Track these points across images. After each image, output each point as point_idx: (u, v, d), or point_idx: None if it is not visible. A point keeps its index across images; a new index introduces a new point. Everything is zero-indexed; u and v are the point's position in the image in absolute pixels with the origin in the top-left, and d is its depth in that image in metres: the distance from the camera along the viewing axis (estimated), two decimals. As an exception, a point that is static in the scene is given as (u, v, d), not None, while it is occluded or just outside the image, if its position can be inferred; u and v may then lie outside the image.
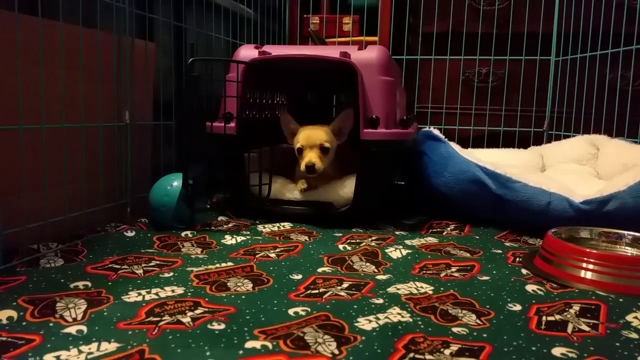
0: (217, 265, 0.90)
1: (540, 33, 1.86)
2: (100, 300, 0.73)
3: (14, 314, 0.67)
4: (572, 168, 1.57)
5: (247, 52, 1.28)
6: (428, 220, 1.30)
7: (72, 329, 0.64)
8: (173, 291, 0.77)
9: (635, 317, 0.72)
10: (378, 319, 0.69)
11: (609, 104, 1.63)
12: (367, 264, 0.94)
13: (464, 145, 1.47)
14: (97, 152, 1.06)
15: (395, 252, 1.00)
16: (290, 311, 0.71)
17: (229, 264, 0.91)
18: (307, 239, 1.10)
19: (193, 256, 0.95)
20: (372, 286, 0.82)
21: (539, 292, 0.81)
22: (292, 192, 1.31)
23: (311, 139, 1.25)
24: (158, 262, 0.91)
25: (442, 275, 0.89)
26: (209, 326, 0.65)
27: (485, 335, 0.66)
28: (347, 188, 1.26)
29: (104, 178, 1.07)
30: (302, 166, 1.23)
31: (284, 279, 0.84)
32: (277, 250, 1.01)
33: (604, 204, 1.10)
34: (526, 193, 1.17)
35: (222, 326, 0.66)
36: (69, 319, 0.67)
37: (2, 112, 0.86)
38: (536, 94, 1.90)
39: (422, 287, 0.82)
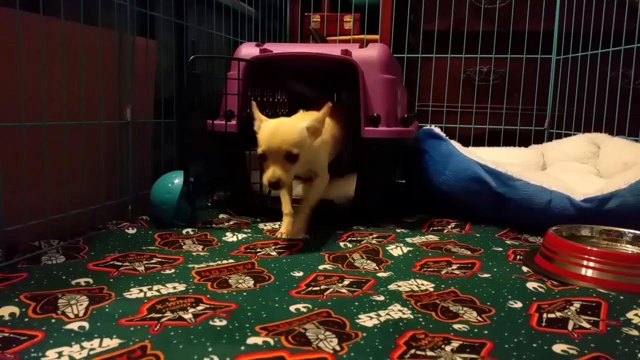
0: (219, 262, 0.90)
1: (541, 31, 1.87)
2: (102, 297, 0.73)
3: (16, 310, 0.68)
4: (573, 166, 1.57)
5: (248, 50, 1.28)
6: (429, 218, 1.31)
7: (74, 325, 0.64)
8: (174, 288, 0.77)
9: (636, 315, 0.72)
10: (379, 315, 0.69)
11: (609, 103, 1.63)
12: (368, 261, 0.94)
13: (465, 143, 1.47)
14: (98, 150, 1.06)
15: (396, 250, 1.01)
16: (292, 308, 0.71)
17: (230, 261, 0.91)
18: (308, 237, 1.10)
19: (194, 253, 0.96)
20: (373, 283, 0.82)
21: (540, 289, 0.81)
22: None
23: (274, 144, 0.98)
24: (159, 259, 0.91)
25: (443, 272, 0.89)
26: (210, 322, 0.65)
27: (486, 332, 0.66)
28: (348, 186, 1.26)
29: (105, 175, 1.07)
30: (265, 180, 0.98)
31: (285, 276, 0.85)
32: (278, 247, 1.01)
33: (604, 202, 1.10)
34: (527, 191, 1.17)
35: (224, 322, 0.66)
36: (71, 316, 0.67)
37: (3, 110, 0.86)
38: (537, 92, 1.90)
39: (423, 284, 0.82)
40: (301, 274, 0.86)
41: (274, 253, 0.97)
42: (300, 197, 1.29)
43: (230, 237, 1.07)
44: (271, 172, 0.97)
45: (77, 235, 1.00)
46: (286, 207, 1.14)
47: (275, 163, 0.98)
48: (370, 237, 1.11)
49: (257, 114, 1.07)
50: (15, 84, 0.85)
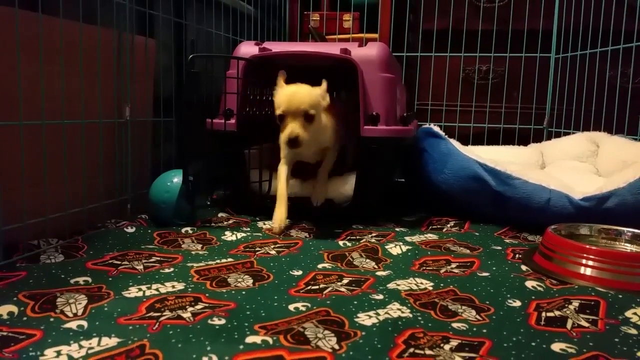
0: (218, 261, 0.90)
1: (540, 30, 1.86)
2: (100, 296, 0.73)
3: (14, 309, 0.68)
4: (572, 165, 1.57)
5: (248, 49, 1.28)
6: (428, 217, 1.31)
7: (73, 324, 0.64)
8: (173, 287, 0.77)
9: (635, 313, 0.72)
10: (378, 314, 0.69)
11: (608, 101, 1.63)
12: (367, 260, 0.94)
13: (464, 142, 1.48)
14: (98, 149, 1.06)
15: (395, 249, 1.01)
16: (291, 307, 0.71)
17: (229, 260, 0.91)
18: (307, 236, 1.10)
19: (193, 252, 0.96)
20: (372, 282, 0.82)
21: (539, 288, 0.81)
22: (293, 188, 1.31)
23: (293, 104, 1.07)
24: (158, 258, 0.91)
25: (442, 271, 0.89)
26: (209, 321, 0.65)
27: (485, 330, 0.66)
28: (347, 185, 1.26)
29: (104, 174, 1.07)
30: (284, 138, 1.06)
31: (284, 274, 0.85)
32: (277, 246, 1.01)
33: (603, 200, 1.10)
34: (526, 190, 1.17)
35: (223, 321, 0.66)
36: (70, 314, 0.67)
37: (2, 109, 0.86)
38: (536, 91, 1.90)
39: (422, 283, 0.82)
40: (300, 272, 0.86)
41: (273, 252, 0.97)
42: (300, 195, 1.29)
43: (229, 236, 1.07)
44: (290, 129, 1.05)
45: (76, 234, 1.00)
46: (282, 192, 1.15)
47: (294, 120, 1.06)
48: (370, 235, 1.11)
49: (281, 82, 1.15)
50: (14, 83, 0.85)
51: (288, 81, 1.25)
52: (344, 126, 1.30)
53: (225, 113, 1.25)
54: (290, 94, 1.08)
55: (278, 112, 1.08)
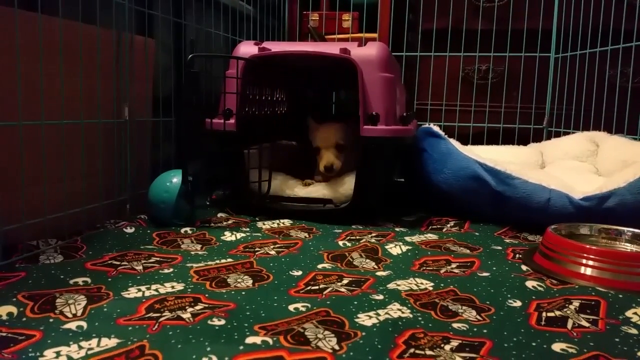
0: (217, 261, 0.90)
1: (539, 29, 1.86)
2: (100, 296, 0.73)
3: (13, 309, 0.67)
4: (571, 165, 1.57)
5: (247, 49, 1.28)
6: (428, 216, 1.30)
7: (72, 325, 0.64)
8: (173, 287, 0.77)
9: (635, 313, 0.72)
10: (378, 314, 0.69)
11: (608, 101, 1.63)
12: (367, 260, 0.94)
13: (464, 142, 1.47)
14: (97, 149, 1.06)
15: (395, 249, 1.00)
16: (291, 307, 0.71)
17: (229, 260, 0.91)
18: (307, 236, 1.10)
19: (193, 252, 0.95)
20: (372, 282, 0.82)
21: (539, 288, 0.81)
22: (292, 188, 1.31)
23: (328, 139, 1.31)
24: (158, 259, 0.91)
25: (442, 271, 0.89)
26: (209, 322, 0.65)
27: (485, 331, 0.66)
28: (347, 185, 1.26)
29: (104, 174, 1.07)
30: (322, 167, 1.29)
31: (284, 275, 0.84)
32: (277, 246, 1.01)
33: (603, 200, 1.10)
34: (526, 189, 1.17)
35: (223, 322, 0.66)
36: (69, 315, 0.67)
37: (1, 109, 0.86)
38: (536, 90, 1.90)
39: (422, 283, 0.82)
40: (300, 273, 0.86)
41: (272, 252, 0.97)
42: (299, 195, 1.29)
43: (228, 236, 1.07)
44: (326, 159, 1.30)
45: (75, 234, 0.99)
46: None
47: (328, 151, 1.30)
48: (369, 235, 1.11)
49: (312, 122, 1.38)
50: (14, 83, 0.85)
51: (289, 80, 1.26)
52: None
53: (225, 113, 1.25)
54: (324, 132, 1.33)
55: (314, 145, 1.34)
